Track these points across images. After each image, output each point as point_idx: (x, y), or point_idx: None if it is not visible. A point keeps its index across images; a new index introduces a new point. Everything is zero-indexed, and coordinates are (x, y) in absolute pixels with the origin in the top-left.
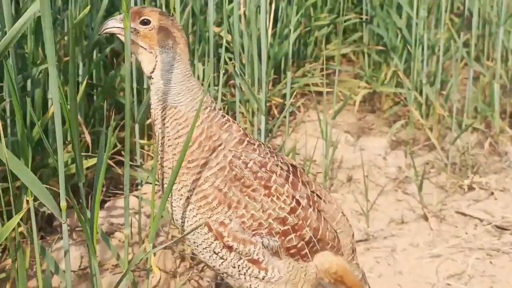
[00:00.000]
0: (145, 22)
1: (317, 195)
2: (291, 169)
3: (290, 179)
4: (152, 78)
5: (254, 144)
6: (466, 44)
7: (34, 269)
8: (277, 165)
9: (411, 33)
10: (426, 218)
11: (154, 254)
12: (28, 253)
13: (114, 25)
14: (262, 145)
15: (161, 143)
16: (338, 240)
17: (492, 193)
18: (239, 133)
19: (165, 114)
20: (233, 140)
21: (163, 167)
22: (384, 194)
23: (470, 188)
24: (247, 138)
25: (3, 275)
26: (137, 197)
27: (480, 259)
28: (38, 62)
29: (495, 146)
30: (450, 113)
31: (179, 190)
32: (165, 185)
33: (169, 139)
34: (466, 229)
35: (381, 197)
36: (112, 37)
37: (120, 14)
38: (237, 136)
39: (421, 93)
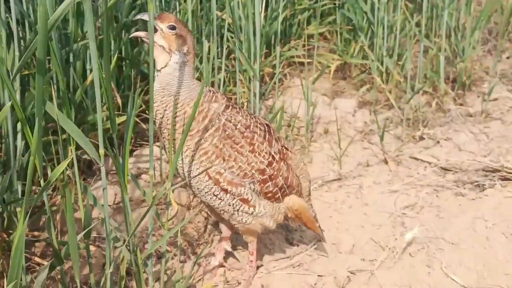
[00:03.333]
0: (172, 27)
1: (285, 147)
2: (266, 129)
3: (267, 138)
4: (160, 72)
5: (236, 108)
6: (418, 24)
7: (78, 204)
8: (256, 126)
9: (374, 16)
10: (386, 162)
11: (173, 191)
12: (73, 191)
13: (149, 19)
14: (242, 109)
15: (161, 121)
16: (300, 186)
17: (438, 142)
18: (224, 100)
19: (165, 100)
20: (222, 106)
21: (163, 138)
22: (353, 143)
23: (421, 138)
24: (230, 104)
25: (54, 208)
26: (158, 146)
27: (429, 193)
28: (78, 39)
29: (440, 105)
30: (405, 79)
31: (185, 152)
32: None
33: (168, 118)
34: (417, 170)
35: (351, 145)
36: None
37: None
38: (223, 103)
39: (382, 64)
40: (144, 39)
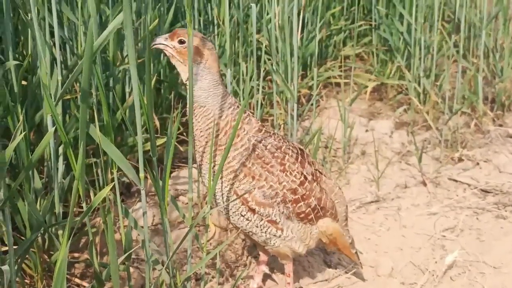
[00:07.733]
0: (181, 42)
1: (319, 172)
2: (299, 152)
3: (299, 159)
4: (187, 85)
5: (269, 132)
6: (455, 45)
7: (118, 225)
8: (288, 148)
9: (411, 36)
10: (424, 184)
11: (211, 213)
12: (112, 213)
13: (160, 42)
14: (276, 134)
15: (195, 133)
16: (335, 209)
17: (478, 163)
18: (257, 124)
19: (196, 112)
20: (253, 129)
21: (197, 151)
22: (390, 165)
23: (460, 159)
24: (264, 128)
25: (94, 229)
26: (196, 168)
27: (469, 216)
28: (118, 63)
29: (479, 125)
30: (443, 100)
31: (213, 168)
32: (201, 165)
33: (201, 131)
34: (457, 192)
35: (388, 167)
36: None
37: (166, 33)
38: (256, 126)
39: (419, 84)
40: (164, 50)
